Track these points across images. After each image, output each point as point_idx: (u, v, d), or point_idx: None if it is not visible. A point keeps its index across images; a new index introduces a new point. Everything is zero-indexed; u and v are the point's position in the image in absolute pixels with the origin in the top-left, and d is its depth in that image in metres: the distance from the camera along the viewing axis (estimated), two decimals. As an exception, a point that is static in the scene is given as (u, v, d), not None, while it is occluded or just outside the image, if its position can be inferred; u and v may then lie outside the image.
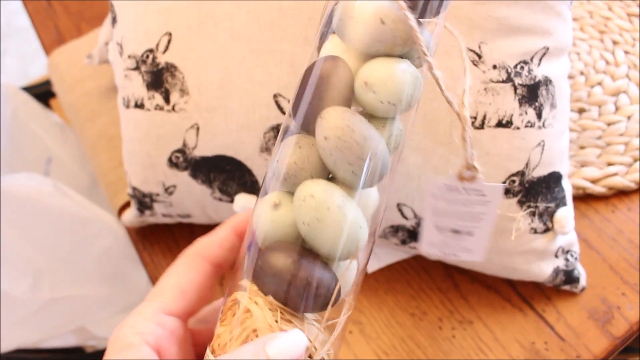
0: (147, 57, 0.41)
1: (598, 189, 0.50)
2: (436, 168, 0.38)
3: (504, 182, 0.39)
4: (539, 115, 0.38)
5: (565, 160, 0.41)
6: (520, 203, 0.40)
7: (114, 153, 0.55)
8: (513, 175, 0.39)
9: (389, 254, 0.48)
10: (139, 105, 0.41)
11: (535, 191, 0.40)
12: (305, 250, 0.24)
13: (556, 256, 0.43)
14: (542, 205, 0.40)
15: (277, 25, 0.38)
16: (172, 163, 0.42)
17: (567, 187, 0.42)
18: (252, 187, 0.42)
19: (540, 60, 0.38)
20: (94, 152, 0.56)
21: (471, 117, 0.37)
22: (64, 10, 0.70)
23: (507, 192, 0.39)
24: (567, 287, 0.45)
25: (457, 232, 0.36)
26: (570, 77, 0.56)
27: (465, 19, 0.37)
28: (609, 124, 0.53)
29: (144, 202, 0.46)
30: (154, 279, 0.50)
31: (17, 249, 0.58)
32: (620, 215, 0.49)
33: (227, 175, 0.42)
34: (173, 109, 0.40)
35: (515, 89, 0.37)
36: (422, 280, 0.47)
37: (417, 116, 0.28)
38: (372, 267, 0.48)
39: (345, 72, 0.25)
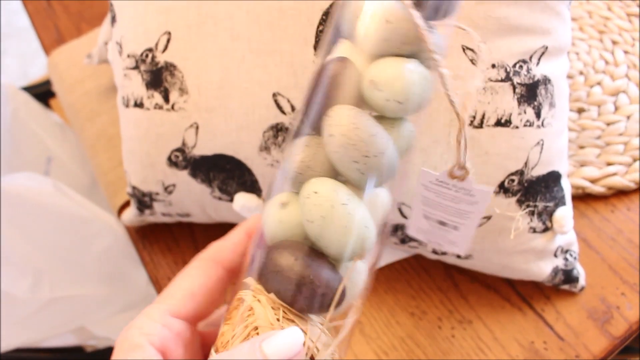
0: (147, 56, 0.41)
1: (597, 188, 0.50)
2: (436, 167, 0.38)
3: (503, 181, 0.39)
4: (538, 115, 0.38)
5: (565, 160, 0.41)
6: (519, 202, 0.40)
7: (113, 152, 0.55)
8: (512, 174, 0.39)
9: (389, 253, 0.48)
10: (139, 105, 0.41)
11: (534, 190, 0.40)
12: (310, 249, 0.24)
13: (555, 256, 0.43)
14: (541, 205, 0.40)
15: (276, 25, 0.38)
16: (172, 162, 0.42)
17: (567, 187, 0.42)
18: (252, 186, 0.42)
19: (539, 59, 0.38)
20: (93, 152, 0.56)
21: (470, 116, 0.38)
22: (64, 10, 0.70)
23: (506, 191, 0.39)
24: (566, 287, 0.45)
25: (444, 224, 0.37)
26: (570, 76, 0.56)
27: (465, 19, 0.37)
28: (608, 124, 0.53)
29: (143, 201, 0.46)
30: (153, 278, 0.50)
31: (17, 249, 0.58)
32: (620, 215, 0.49)
33: (227, 174, 0.42)
34: (172, 108, 0.40)
35: (514, 88, 0.37)
36: (422, 279, 0.47)
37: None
38: (372, 267, 0.48)
39: (352, 71, 0.25)
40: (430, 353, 0.44)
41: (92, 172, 0.71)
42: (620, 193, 0.51)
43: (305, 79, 0.38)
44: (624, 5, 0.61)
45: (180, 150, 0.41)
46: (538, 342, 0.44)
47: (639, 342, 0.50)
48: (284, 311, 0.24)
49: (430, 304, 0.46)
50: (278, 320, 0.24)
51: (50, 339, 0.63)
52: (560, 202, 0.41)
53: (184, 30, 0.40)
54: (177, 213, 0.46)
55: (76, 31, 0.67)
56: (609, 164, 0.51)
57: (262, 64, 0.39)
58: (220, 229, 0.50)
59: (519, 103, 0.38)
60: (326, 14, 0.37)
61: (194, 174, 0.42)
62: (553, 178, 0.40)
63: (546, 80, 0.38)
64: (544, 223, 0.41)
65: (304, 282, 0.24)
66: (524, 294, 0.46)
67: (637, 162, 0.51)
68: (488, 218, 0.40)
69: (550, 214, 0.41)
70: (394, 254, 0.48)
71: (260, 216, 0.28)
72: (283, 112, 0.39)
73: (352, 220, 0.24)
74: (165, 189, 0.44)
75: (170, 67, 0.40)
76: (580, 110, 0.54)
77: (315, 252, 0.24)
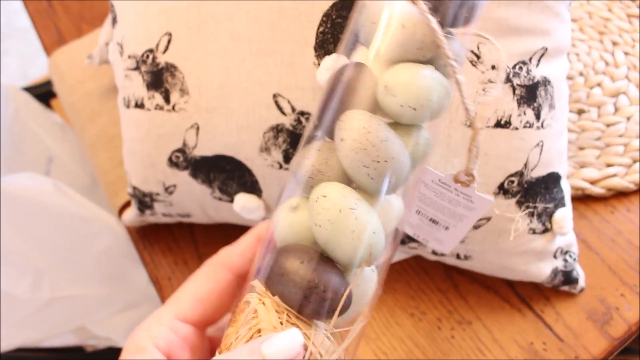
0: (147, 57, 0.41)
1: (597, 189, 0.50)
2: (435, 168, 0.38)
3: (503, 183, 0.39)
4: (538, 116, 0.38)
5: (564, 161, 0.42)
6: (519, 203, 0.40)
7: (114, 153, 0.55)
8: (512, 175, 0.39)
9: (388, 254, 0.48)
10: (139, 105, 0.41)
11: (534, 192, 0.40)
12: (317, 253, 0.24)
13: (555, 257, 0.43)
14: (540, 206, 0.40)
15: (277, 25, 0.38)
16: (172, 163, 0.42)
17: (566, 188, 0.42)
18: (252, 186, 0.42)
19: (539, 60, 0.38)
20: (94, 152, 0.56)
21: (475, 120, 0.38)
22: (65, 10, 0.70)
23: (506, 192, 0.39)
24: (565, 288, 0.45)
25: (435, 222, 0.37)
26: (570, 78, 0.56)
27: (465, 20, 0.37)
28: (608, 125, 0.53)
29: (144, 201, 0.46)
30: (154, 278, 0.50)
31: (18, 249, 0.58)
32: (620, 216, 0.49)
33: (227, 175, 0.42)
34: (173, 108, 0.40)
35: (514, 89, 0.38)
36: (422, 280, 0.47)
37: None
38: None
39: (367, 77, 0.25)
40: (430, 354, 0.44)
41: (92, 172, 0.71)
42: (620, 194, 0.51)
43: (306, 79, 0.38)
44: (624, 6, 0.61)
45: (181, 150, 0.41)
46: (537, 343, 0.44)
47: (639, 343, 0.51)
48: (287, 315, 0.24)
49: (430, 304, 0.46)
50: (281, 323, 0.24)
51: (51, 338, 0.63)
52: (560, 203, 0.41)
53: (184, 31, 0.40)
54: (178, 213, 0.46)
55: (77, 32, 0.67)
56: (608, 165, 0.51)
57: (262, 64, 0.39)
58: (221, 229, 0.51)
59: (519, 104, 0.38)
60: (327, 16, 0.37)
61: (194, 175, 0.42)
62: (553, 179, 0.41)
63: (546, 82, 0.38)
64: (543, 224, 0.41)
65: (308, 286, 0.23)
66: (523, 295, 0.46)
67: (637, 164, 0.51)
68: (488, 219, 0.40)
69: (550, 215, 0.41)
70: (394, 255, 0.48)
71: (270, 222, 0.28)
72: (283, 113, 0.39)
73: (360, 226, 0.23)
74: (166, 189, 0.44)
75: (170, 68, 0.40)
76: (580, 112, 0.54)
77: (322, 257, 0.24)
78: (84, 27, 0.68)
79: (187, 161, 0.42)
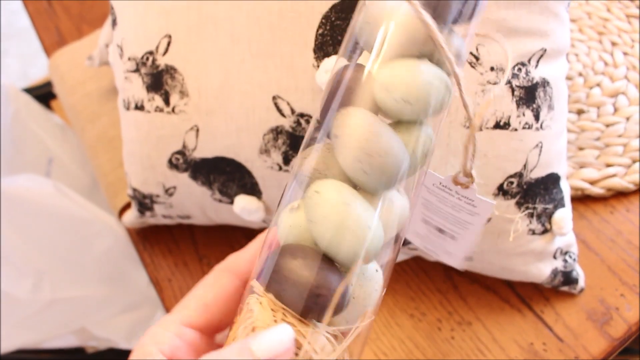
0: (147, 59, 0.41)
1: (596, 190, 0.50)
2: (435, 170, 0.39)
3: (502, 184, 0.39)
4: (537, 117, 0.38)
5: (563, 162, 0.42)
6: (519, 204, 0.40)
7: (114, 154, 0.55)
8: (511, 176, 0.39)
9: (388, 255, 0.48)
10: (139, 107, 0.42)
11: (533, 192, 0.40)
12: (313, 251, 0.24)
13: (555, 257, 0.43)
14: (540, 207, 0.40)
15: (276, 27, 0.38)
16: (172, 164, 0.42)
17: (566, 189, 0.42)
18: (252, 188, 0.42)
19: (538, 62, 0.38)
20: (94, 153, 0.57)
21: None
22: (65, 11, 0.70)
23: (505, 193, 0.39)
24: (565, 288, 0.45)
25: (442, 231, 0.36)
26: (569, 78, 0.56)
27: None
28: (607, 125, 0.53)
29: (144, 203, 0.46)
30: (154, 279, 0.50)
31: (18, 250, 0.58)
32: (619, 216, 0.49)
33: (227, 176, 0.42)
34: (173, 110, 0.41)
35: (513, 90, 0.38)
36: (422, 281, 0.48)
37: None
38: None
39: (365, 77, 0.24)
40: (430, 354, 0.44)
41: (92, 174, 0.71)
42: (620, 194, 0.51)
43: (305, 81, 0.38)
44: (623, 6, 0.61)
45: (181, 152, 0.41)
46: (537, 344, 0.44)
47: (639, 344, 0.51)
48: (284, 313, 0.24)
49: (430, 305, 0.46)
50: (276, 321, 0.23)
51: (51, 340, 0.63)
52: (560, 203, 0.41)
53: (184, 33, 0.40)
54: (178, 215, 0.46)
55: (77, 32, 0.68)
56: (608, 166, 0.51)
57: (262, 66, 0.39)
58: (221, 230, 0.51)
59: (518, 106, 0.38)
60: (326, 18, 0.37)
61: (194, 177, 0.42)
62: (552, 180, 0.41)
63: (545, 83, 0.39)
64: (543, 225, 0.41)
65: (301, 283, 0.23)
66: (523, 295, 0.46)
67: (637, 164, 0.51)
68: (487, 220, 0.40)
69: (550, 216, 0.41)
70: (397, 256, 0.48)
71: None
72: (283, 114, 0.39)
73: (354, 221, 0.23)
74: (166, 191, 0.44)
75: (170, 70, 0.40)
76: (579, 112, 0.54)
77: (318, 255, 0.24)
78: (84, 28, 0.68)
79: (187, 163, 0.42)
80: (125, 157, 0.45)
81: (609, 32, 0.59)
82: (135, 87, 0.42)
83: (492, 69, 0.37)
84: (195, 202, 0.44)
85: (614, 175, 0.51)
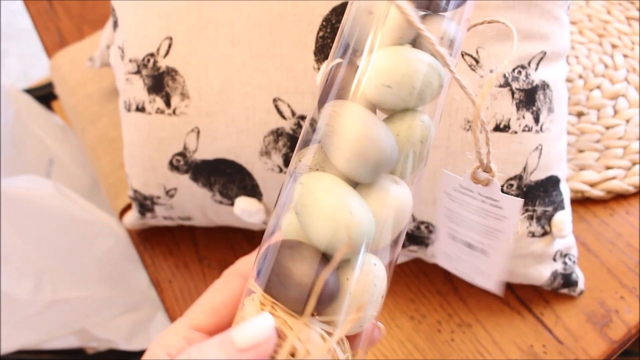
0: (148, 61, 0.41)
1: (596, 192, 0.50)
2: (435, 173, 0.39)
3: (502, 186, 0.39)
4: (537, 120, 0.38)
5: (563, 164, 0.42)
6: (519, 207, 0.40)
7: (115, 155, 0.55)
8: (511, 179, 0.39)
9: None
10: (140, 109, 0.42)
11: (533, 195, 0.40)
12: (300, 243, 0.23)
13: (554, 260, 0.43)
14: (540, 209, 0.40)
15: (277, 30, 0.38)
16: (173, 166, 0.42)
17: (565, 191, 0.42)
18: (252, 190, 0.42)
19: (538, 64, 0.38)
20: (95, 154, 0.57)
21: (469, 122, 0.38)
22: (66, 12, 0.70)
23: (506, 196, 0.39)
24: (565, 291, 0.45)
25: (471, 246, 0.34)
26: (569, 80, 0.56)
27: (464, 24, 0.37)
28: (607, 128, 0.53)
29: (145, 204, 0.46)
30: (154, 281, 0.50)
31: (19, 251, 0.58)
32: (619, 218, 0.49)
33: (228, 178, 0.42)
34: (174, 112, 0.41)
35: (513, 93, 0.38)
36: (422, 283, 0.48)
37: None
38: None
39: (350, 72, 0.24)
40: (430, 356, 0.44)
41: (93, 175, 0.71)
42: (620, 197, 0.51)
43: (306, 83, 0.38)
44: (623, 8, 0.61)
45: (182, 154, 0.42)
46: (537, 346, 0.44)
47: (638, 346, 0.51)
48: (272, 307, 0.23)
49: (430, 307, 0.46)
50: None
51: (52, 340, 0.63)
52: (559, 206, 0.41)
53: (185, 35, 0.40)
54: (179, 216, 0.47)
55: (78, 33, 0.68)
56: (608, 168, 0.51)
57: (262, 68, 0.39)
58: (221, 232, 0.51)
59: (518, 108, 0.38)
60: (326, 21, 0.37)
61: (195, 178, 0.42)
62: (552, 182, 0.41)
63: (545, 86, 0.39)
64: (543, 227, 0.41)
65: (284, 274, 0.23)
66: (523, 297, 0.46)
67: (637, 166, 0.51)
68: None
69: (549, 218, 0.41)
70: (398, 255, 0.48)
71: None
72: (283, 117, 0.39)
73: (334, 206, 0.22)
74: (167, 192, 0.44)
75: (171, 72, 0.40)
76: (579, 114, 0.54)
77: (303, 246, 0.23)
78: (85, 29, 0.68)
79: (187, 165, 0.42)
80: (126, 159, 0.45)
81: (609, 34, 0.59)
82: (136, 89, 0.42)
83: (491, 71, 0.37)
84: (196, 204, 0.44)
85: (613, 178, 0.51)
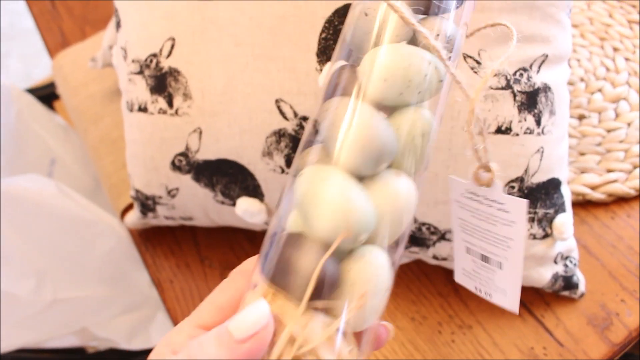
0: (151, 61, 0.41)
1: (597, 195, 0.50)
2: (437, 174, 0.39)
3: (503, 188, 0.39)
4: (538, 122, 0.38)
5: (565, 167, 0.42)
6: (520, 209, 0.40)
7: (117, 155, 0.55)
8: (512, 181, 0.39)
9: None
10: (143, 109, 0.42)
11: (534, 197, 0.40)
12: (300, 234, 0.23)
13: (555, 262, 0.43)
14: (541, 212, 0.41)
15: (279, 31, 0.38)
16: (175, 166, 0.42)
17: (567, 194, 0.42)
18: (254, 190, 0.42)
19: (540, 67, 0.38)
20: (97, 154, 0.57)
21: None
22: (68, 12, 0.70)
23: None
24: (566, 293, 0.45)
25: (486, 259, 0.34)
26: (571, 83, 0.56)
27: (466, 27, 0.37)
28: (609, 131, 0.53)
29: (146, 204, 0.46)
30: (156, 280, 0.50)
31: (20, 250, 0.58)
32: (620, 221, 0.50)
33: (230, 178, 0.42)
34: (176, 113, 0.41)
35: (515, 95, 0.38)
36: (422, 284, 0.48)
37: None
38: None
39: (353, 73, 0.25)
40: (430, 357, 0.44)
41: (95, 175, 0.71)
42: (621, 200, 0.51)
43: (308, 85, 0.39)
44: (625, 12, 0.61)
45: (184, 154, 0.42)
46: (538, 348, 0.44)
47: (639, 349, 0.51)
48: (273, 294, 0.23)
49: (431, 308, 0.46)
50: None
51: (52, 340, 0.63)
52: (560, 208, 0.42)
53: (188, 36, 0.40)
54: (180, 216, 0.47)
55: (80, 34, 0.68)
56: (609, 171, 0.51)
57: (264, 69, 0.39)
58: (223, 232, 0.51)
59: (519, 111, 0.38)
60: (329, 22, 0.38)
61: (197, 178, 0.42)
62: (553, 185, 0.41)
63: (546, 88, 0.39)
64: (544, 230, 0.41)
65: (283, 262, 0.23)
66: (524, 299, 0.46)
67: (638, 169, 0.51)
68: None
69: (550, 221, 0.41)
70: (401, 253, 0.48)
71: None
72: (286, 118, 0.39)
73: (330, 193, 0.23)
74: (169, 192, 0.44)
75: (174, 73, 0.40)
76: (580, 117, 0.54)
77: (306, 237, 0.23)
78: (88, 30, 0.68)
79: (189, 165, 0.42)
80: (128, 159, 0.45)
81: (611, 37, 0.59)
82: (138, 89, 0.42)
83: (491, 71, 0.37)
84: (198, 204, 0.44)
85: (615, 181, 0.51)
